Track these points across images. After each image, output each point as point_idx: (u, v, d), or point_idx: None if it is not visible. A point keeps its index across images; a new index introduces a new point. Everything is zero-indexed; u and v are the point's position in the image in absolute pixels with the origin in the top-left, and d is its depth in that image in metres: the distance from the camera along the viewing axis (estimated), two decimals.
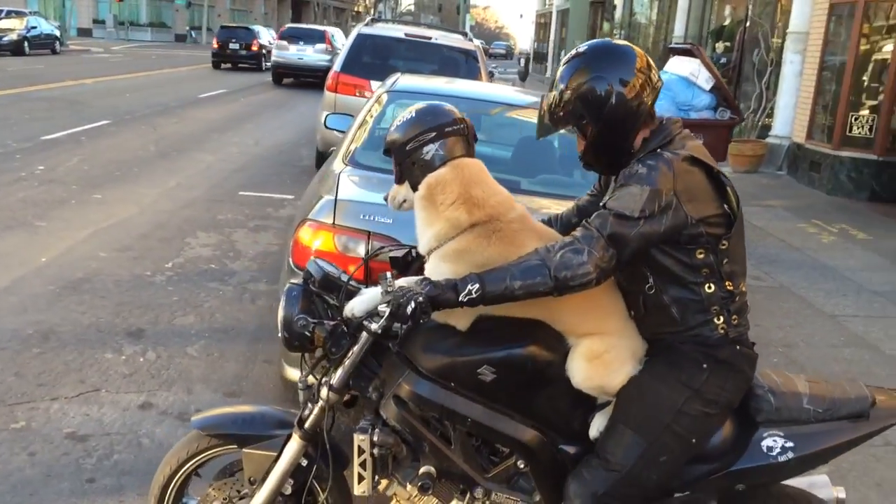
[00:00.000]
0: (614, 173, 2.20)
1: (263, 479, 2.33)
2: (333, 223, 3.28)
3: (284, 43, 23.49)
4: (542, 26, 41.06)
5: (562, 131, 2.21)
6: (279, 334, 2.25)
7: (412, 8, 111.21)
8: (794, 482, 2.35)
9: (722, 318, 2.07)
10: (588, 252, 1.92)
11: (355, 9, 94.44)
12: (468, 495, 2.27)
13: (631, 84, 2.04)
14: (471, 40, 10.09)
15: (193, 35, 52.79)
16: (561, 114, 2.11)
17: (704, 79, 7.94)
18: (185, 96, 17.26)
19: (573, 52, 2.18)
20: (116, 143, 10.81)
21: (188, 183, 8.68)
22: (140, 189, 8.15)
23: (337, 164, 3.95)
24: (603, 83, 2.05)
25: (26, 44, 26.33)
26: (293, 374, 3.31)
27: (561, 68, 2.15)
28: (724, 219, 2.03)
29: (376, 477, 2.27)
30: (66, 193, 7.68)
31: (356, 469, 2.23)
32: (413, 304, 1.94)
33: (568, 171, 4.75)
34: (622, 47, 2.13)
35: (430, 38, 9.70)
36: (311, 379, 3.37)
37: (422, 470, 2.23)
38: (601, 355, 2.11)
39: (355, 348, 2.18)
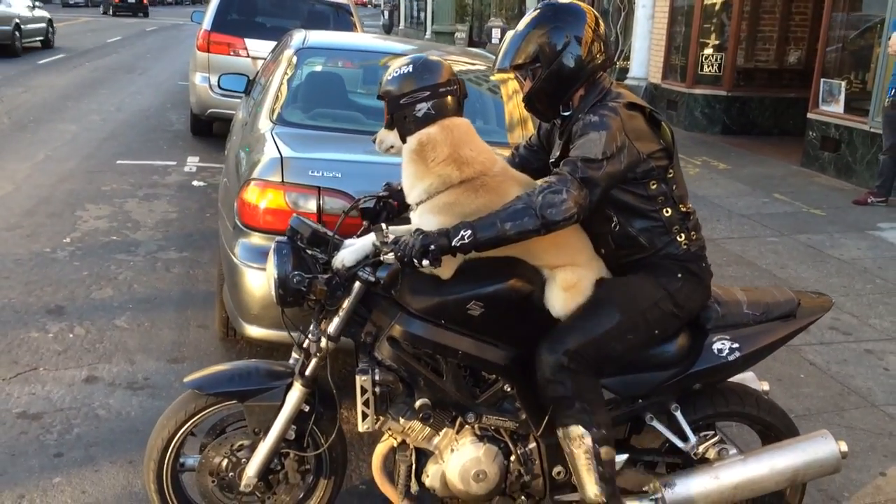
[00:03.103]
0: (549, 119, 2.50)
1: (267, 429, 2.44)
2: (282, 181, 3.33)
3: None
4: None
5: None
6: (272, 291, 2.32)
7: None
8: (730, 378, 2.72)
9: (683, 236, 2.38)
10: (567, 191, 2.14)
11: None
12: (457, 422, 2.47)
13: (583, 41, 2.31)
14: None
15: None
16: (520, 56, 2.33)
17: None
18: (22, 63, 16.03)
19: (540, 4, 2.41)
20: None
21: (58, 155, 8.22)
22: (8, 165, 7.66)
23: (263, 123, 3.96)
24: (561, 35, 2.30)
25: None
26: (254, 331, 3.38)
27: (528, 17, 2.38)
28: (665, 152, 2.33)
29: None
30: None
31: (360, 408, 2.37)
32: (426, 252, 2.10)
33: (472, 119, 4.96)
34: (577, 7, 2.37)
35: None
36: (257, 332, 3.43)
37: (418, 403, 2.39)
38: (575, 284, 2.36)
39: (349, 298, 2.32)
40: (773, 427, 2.69)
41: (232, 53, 8.80)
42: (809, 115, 8.98)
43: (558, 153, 2.36)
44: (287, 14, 9.61)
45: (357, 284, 2.30)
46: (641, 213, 2.33)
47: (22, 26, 17.19)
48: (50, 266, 5.08)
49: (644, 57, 12.49)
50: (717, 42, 11.23)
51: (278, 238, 2.44)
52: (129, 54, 19.79)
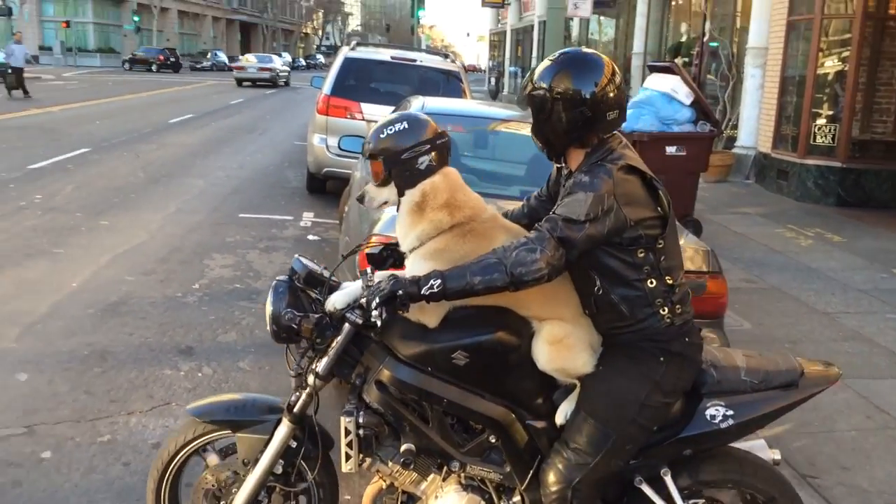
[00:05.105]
0: (550, 157, 2.43)
1: (256, 461, 2.53)
2: None
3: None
4: (495, 45, 41.74)
5: None
6: (267, 327, 2.43)
7: (359, 28, 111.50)
8: (737, 445, 2.58)
9: (666, 309, 2.30)
10: (540, 251, 2.13)
11: (303, 30, 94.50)
12: (444, 469, 2.50)
13: (596, 92, 2.23)
14: (453, 62, 10.42)
15: None
16: (538, 107, 2.29)
17: (684, 94, 8.35)
18: (155, 122, 17.28)
19: (556, 55, 2.37)
20: (104, 170, 10.86)
21: (188, 207, 8.81)
22: (143, 215, 8.27)
23: None
24: (586, 83, 2.24)
25: None
26: None
27: (542, 68, 2.32)
28: (659, 220, 2.25)
29: (361, 455, 2.46)
30: (73, 221, 7.77)
31: (343, 449, 2.42)
32: (394, 297, 2.14)
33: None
34: (595, 58, 2.31)
35: (414, 61, 10.01)
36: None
37: (402, 448, 2.44)
38: (562, 340, 2.36)
39: (339, 338, 2.36)
40: (774, 499, 2.56)
41: (348, 116, 9.28)
42: None
43: (557, 205, 2.30)
44: (400, 80, 10.07)
45: (346, 326, 2.35)
46: (625, 282, 2.28)
47: (279, 73, 37.56)
48: (181, 310, 5.46)
49: (753, 126, 12.38)
50: (830, 112, 11.05)
51: (279, 277, 2.56)
52: (250, 115, 21.01)
